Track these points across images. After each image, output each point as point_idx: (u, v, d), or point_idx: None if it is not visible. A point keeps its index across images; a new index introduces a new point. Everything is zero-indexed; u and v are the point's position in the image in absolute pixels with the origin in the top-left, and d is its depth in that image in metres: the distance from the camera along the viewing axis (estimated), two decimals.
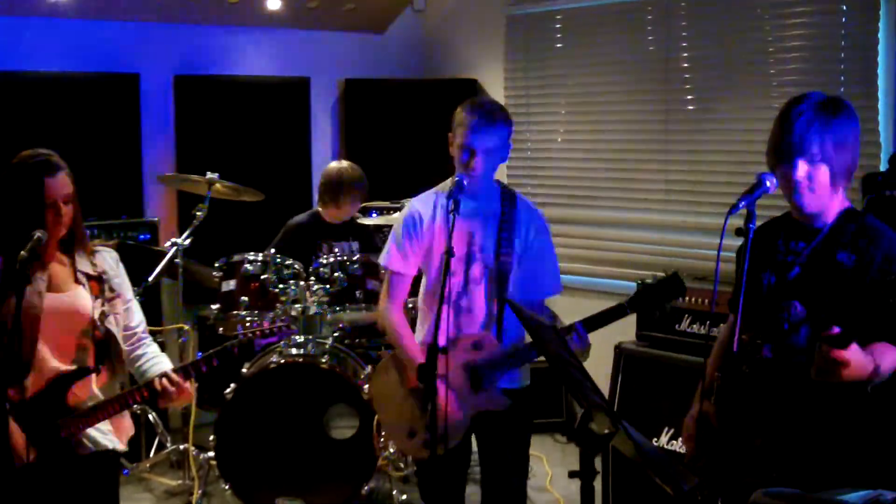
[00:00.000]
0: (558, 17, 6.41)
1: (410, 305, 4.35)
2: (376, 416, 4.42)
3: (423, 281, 3.74)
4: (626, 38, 6.06)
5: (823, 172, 2.82)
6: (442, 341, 3.30)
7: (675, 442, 4.39)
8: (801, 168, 2.82)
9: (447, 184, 3.67)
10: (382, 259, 3.73)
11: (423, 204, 3.68)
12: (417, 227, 3.64)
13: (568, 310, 3.78)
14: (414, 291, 3.87)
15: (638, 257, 5.98)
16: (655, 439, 4.44)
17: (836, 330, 2.44)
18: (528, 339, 3.60)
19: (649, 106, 5.98)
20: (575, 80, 6.38)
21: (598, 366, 4.72)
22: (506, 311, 3.60)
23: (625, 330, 4.78)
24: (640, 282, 3.58)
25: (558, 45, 6.45)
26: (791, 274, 2.89)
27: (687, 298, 4.53)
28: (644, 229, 6.02)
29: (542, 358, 3.80)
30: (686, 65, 5.79)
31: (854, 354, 2.49)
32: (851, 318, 2.49)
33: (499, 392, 3.60)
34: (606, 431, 2.64)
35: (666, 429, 4.46)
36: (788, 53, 5.29)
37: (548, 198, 6.48)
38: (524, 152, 6.66)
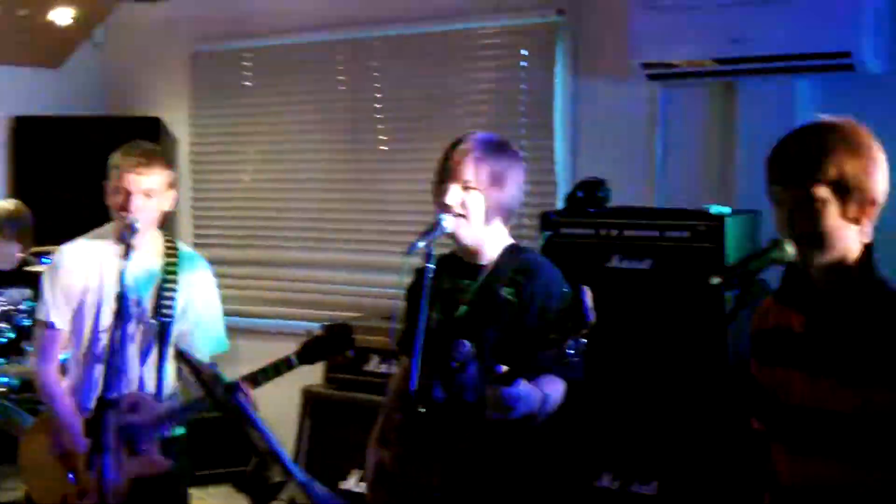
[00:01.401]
0: (246, 55, 6.27)
1: None
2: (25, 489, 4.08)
3: (73, 341, 3.49)
4: (317, 78, 6.03)
5: (477, 202, 2.88)
6: (109, 395, 3.10)
7: (363, 484, 4.35)
8: (454, 192, 2.88)
9: (104, 230, 3.49)
10: (37, 311, 3.49)
11: (75, 253, 3.49)
12: (69, 278, 3.44)
13: (259, 354, 3.63)
14: None
15: (329, 298, 5.91)
16: (343, 482, 4.38)
17: (501, 369, 2.48)
18: (183, 398, 3.49)
19: (340, 146, 5.95)
20: (265, 120, 6.24)
21: (286, 410, 4.63)
22: (162, 372, 3.43)
23: (312, 373, 4.71)
24: (310, 334, 3.52)
25: (247, 84, 6.31)
26: (458, 311, 2.92)
27: (374, 338, 4.54)
28: (335, 269, 5.95)
29: None
30: (378, 106, 5.81)
31: (521, 390, 2.54)
32: (517, 353, 2.54)
33: (157, 455, 3.39)
34: (277, 480, 2.55)
35: (354, 471, 4.41)
36: (475, 96, 5.45)
37: (235, 239, 6.28)
38: (209, 192, 6.45)
